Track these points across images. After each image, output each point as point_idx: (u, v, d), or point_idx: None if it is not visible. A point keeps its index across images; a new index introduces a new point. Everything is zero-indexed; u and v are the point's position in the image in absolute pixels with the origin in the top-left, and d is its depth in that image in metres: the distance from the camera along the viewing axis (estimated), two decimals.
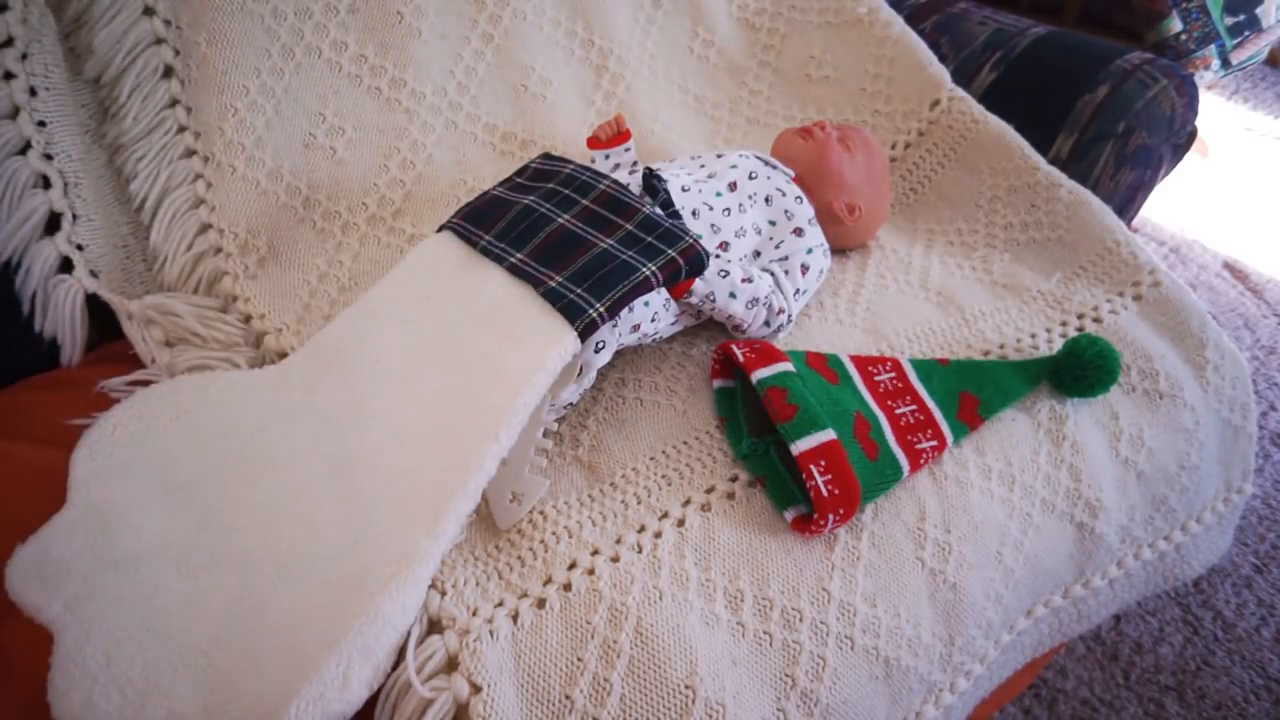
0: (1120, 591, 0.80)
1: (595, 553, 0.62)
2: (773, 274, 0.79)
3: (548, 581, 0.60)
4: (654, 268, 0.65)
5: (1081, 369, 0.74)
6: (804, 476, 0.63)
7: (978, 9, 1.17)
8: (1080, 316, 0.84)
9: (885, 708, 0.63)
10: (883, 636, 0.63)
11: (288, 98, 0.85)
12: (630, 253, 0.67)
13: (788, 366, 0.69)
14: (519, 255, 0.67)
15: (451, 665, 0.55)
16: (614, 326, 0.68)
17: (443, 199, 0.88)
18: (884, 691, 0.63)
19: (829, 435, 0.65)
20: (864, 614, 0.63)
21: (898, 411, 0.71)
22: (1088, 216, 0.90)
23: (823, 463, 0.63)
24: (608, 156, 0.88)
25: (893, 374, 0.74)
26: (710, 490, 0.67)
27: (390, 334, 0.67)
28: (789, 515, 0.65)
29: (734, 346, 0.71)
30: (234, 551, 0.57)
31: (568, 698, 0.55)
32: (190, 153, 0.82)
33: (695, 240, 0.68)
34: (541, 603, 0.59)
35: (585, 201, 0.71)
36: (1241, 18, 1.64)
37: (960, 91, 1.02)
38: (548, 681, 0.55)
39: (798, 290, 0.80)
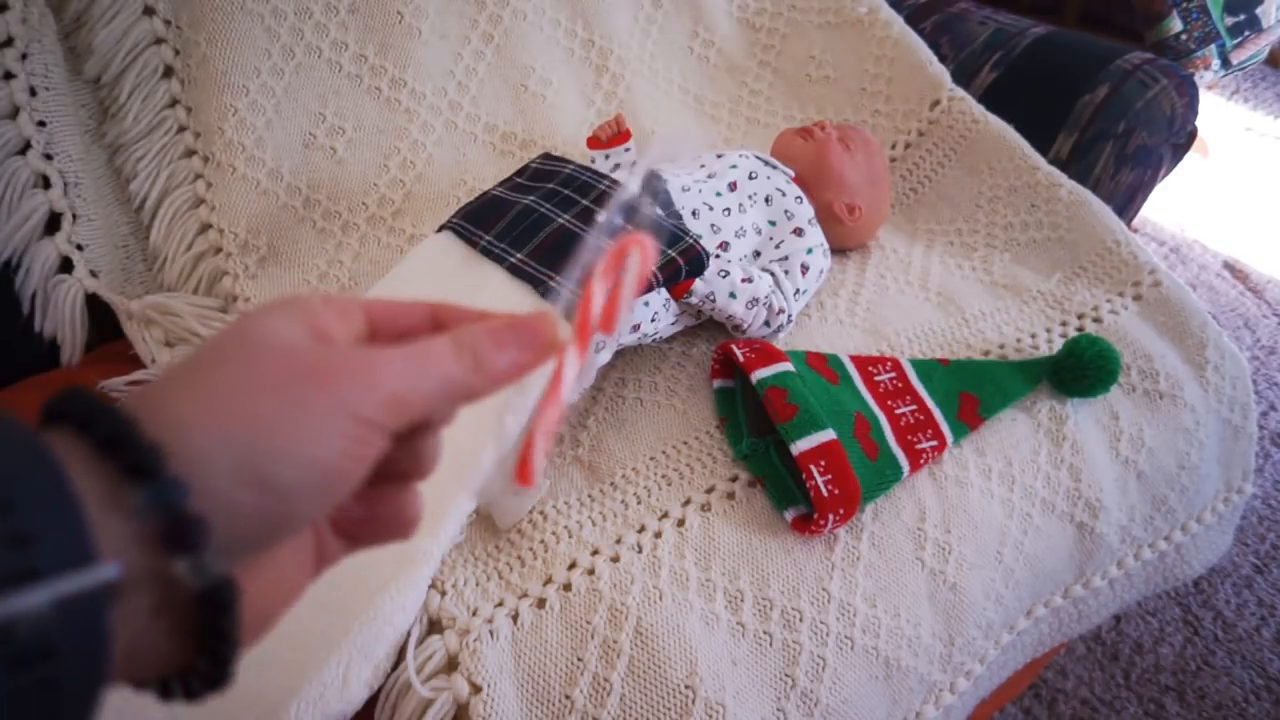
0: (1120, 591, 0.80)
1: (595, 553, 0.62)
2: (773, 274, 0.79)
3: (548, 581, 0.60)
4: (654, 268, 0.65)
5: (1081, 369, 0.74)
6: (804, 476, 0.63)
7: (978, 9, 1.17)
8: (1080, 316, 0.84)
9: (885, 708, 0.63)
10: (883, 636, 0.63)
11: (288, 97, 0.85)
12: None
13: (788, 366, 0.69)
14: (519, 255, 0.67)
15: (451, 665, 0.55)
16: None
17: (443, 199, 0.88)
18: (884, 691, 0.63)
19: (829, 435, 0.65)
20: (864, 614, 0.63)
21: (898, 411, 0.71)
22: (1088, 216, 0.90)
23: (823, 463, 0.63)
24: (608, 156, 0.88)
25: (893, 374, 0.74)
26: (710, 490, 0.67)
27: None
28: (789, 515, 0.65)
29: (734, 346, 0.71)
30: None
31: (568, 698, 0.55)
32: (190, 152, 0.82)
33: (695, 240, 0.68)
34: (541, 603, 0.59)
35: (585, 202, 0.71)
36: (1241, 18, 1.64)
37: (960, 91, 1.02)
38: (548, 681, 0.55)
39: (798, 290, 0.80)
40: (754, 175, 0.83)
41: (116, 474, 0.21)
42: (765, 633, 0.60)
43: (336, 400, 0.23)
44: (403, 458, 0.29)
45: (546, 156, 0.79)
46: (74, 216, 0.78)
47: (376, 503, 0.29)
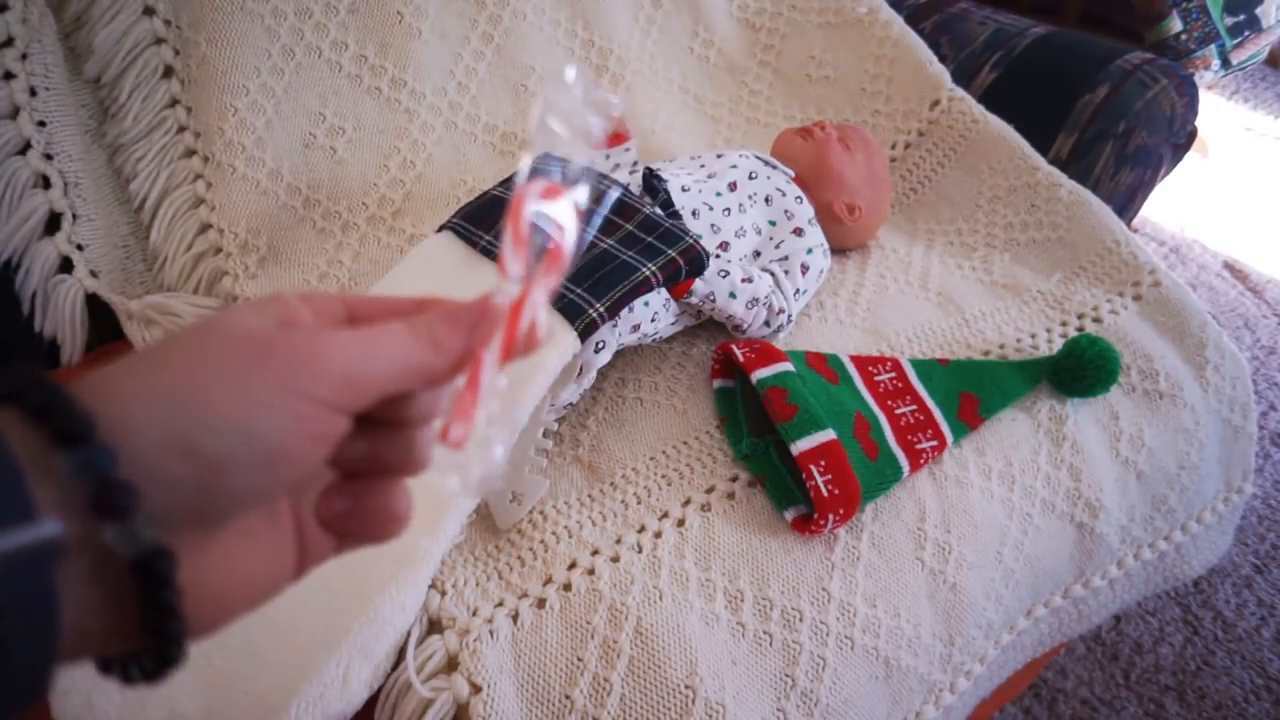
0: (1120, 591, 0.80)
1: (595, 553, 0.62)
2: (773, 274, 0.79)
3: (548, 581, 0.60)
4: (654, 268, 0.65)
5: (1081, 369, 0.74)
6: (804, 476, 0.63)
7: (978, 9, 1.17)
8: (1080, 316, 0.84)
9: (885, 708, 0.63)
10: (883, 636, 0.63)
11: (288, 97, 0.85)
12: (630, 253, 0.67)
13: (788, 366, 0.69)
14: None
15: (451, 665, 0.55)
16: (614, 326, 0.68)
17: (443, 199, 0.88)
18: (884, 691, 0.63)
19: (829, 435, 0.65)
20: (864, 614, 0.63)
21: (898, 411, 0.71)
22: (1088, 216, 0.90)
23: (823, 463, 0.63)
24: (608, 156, 0.88)
25: (893, 374, 0.74)
26: (710, 490, 0.67)
27: None
28: (789, 515, 0.65)
29: (734, 346, 0.71)
30: None
31: (568, 698, 0.55)
32: (190, 153, 0.82)
33: (695, 240, 0.68)
34: (541, 603, 0.59)
35: (585, 202, 0.71)
36: (1241, 18, 1.64)
37: (960, 91, 1.02)
38: (548, 681, 0.55)
39: (798, 290, 0.80)
40: (754, 175, 0.83)
41: (47, 441, 0.21)
42: (765, 633, 0.60)
43: (281, 376, 0.23)
44: (392, 450, 0.28)
45: (546, 157, 0.79)
46: (74, 216, 0.78)
47: (363, 495, 0.29)
